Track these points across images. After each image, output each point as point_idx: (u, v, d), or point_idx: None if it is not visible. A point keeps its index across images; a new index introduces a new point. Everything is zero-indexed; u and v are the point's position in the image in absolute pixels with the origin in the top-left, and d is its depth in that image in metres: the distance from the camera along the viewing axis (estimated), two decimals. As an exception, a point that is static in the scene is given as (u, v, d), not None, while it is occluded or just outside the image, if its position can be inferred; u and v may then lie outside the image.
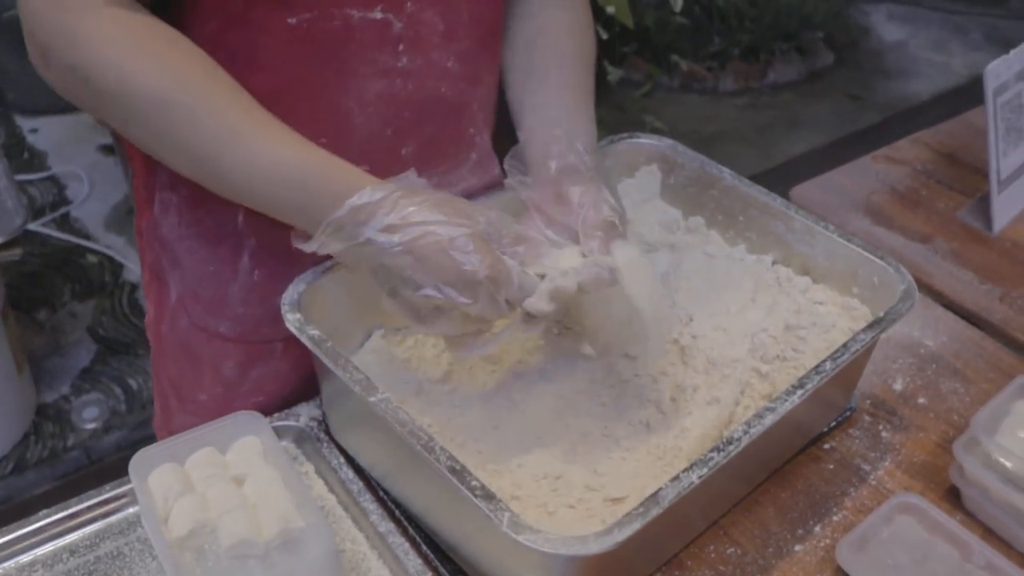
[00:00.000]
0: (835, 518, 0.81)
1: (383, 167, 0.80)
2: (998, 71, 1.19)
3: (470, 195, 0.91)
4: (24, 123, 3.02)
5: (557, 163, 0.81)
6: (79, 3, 0.68)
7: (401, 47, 0.79)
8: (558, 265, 0.73)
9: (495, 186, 0.93)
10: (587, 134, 0.85)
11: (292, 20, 0.74)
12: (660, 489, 0.64)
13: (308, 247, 0.71)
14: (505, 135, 0.92)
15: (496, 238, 0.70)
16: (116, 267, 2.46)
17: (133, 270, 2.43)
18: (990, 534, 0.80)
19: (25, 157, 2.88)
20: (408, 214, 0.68)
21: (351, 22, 0.76)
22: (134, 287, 2.40)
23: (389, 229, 0.68)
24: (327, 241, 0.70)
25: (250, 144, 0.69)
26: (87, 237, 2.55)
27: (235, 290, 0.87)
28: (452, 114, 0.87)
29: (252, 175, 0.70)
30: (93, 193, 2.72)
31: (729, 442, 0.68)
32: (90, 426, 2.01)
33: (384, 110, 0.82)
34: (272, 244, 0.85)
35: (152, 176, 0.87)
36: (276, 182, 0.69)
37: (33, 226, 2.53)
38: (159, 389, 0.98)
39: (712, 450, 0.67)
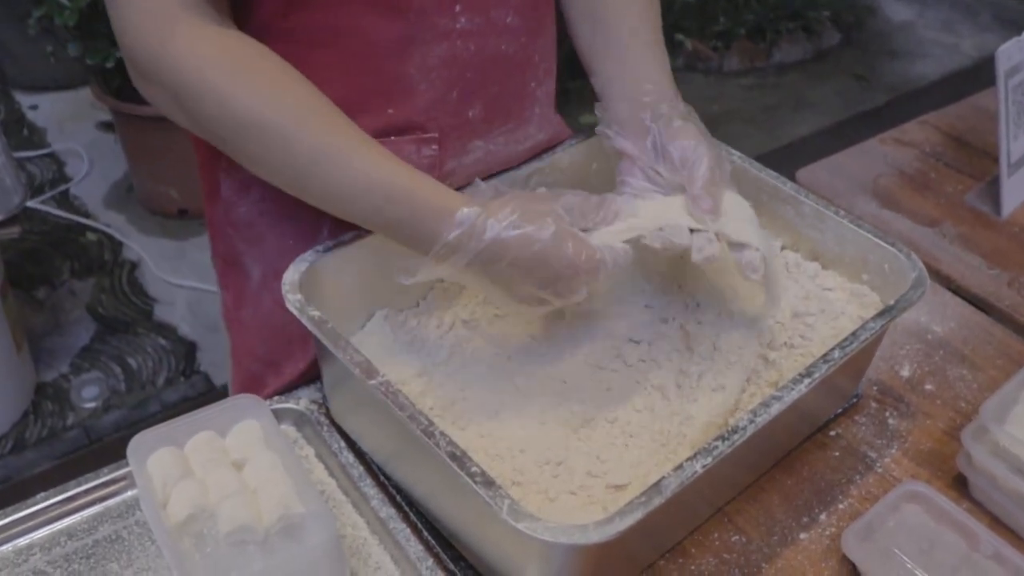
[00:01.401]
0: (841, 506, 0.80)
1: (450, 131, 0.84)
2: (1010, 53, 1.17)
3: (537, 151, 0.94)
4: (24, 99, 3.00)
5: (650, 115, 0.83)
6: (173, 24, 0.70)
7: (458, 8, 0.79)
8: (665, 215, 0.77)
9: (562, 139, 0.95)
10: (667, 76, 0.87)
11: None
12: (663, 478, 0.63)
13: (415, 279, 0.73)
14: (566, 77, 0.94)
15: (581, 218, 0.73)
16: (116, 245, 2.44)
17: (133, 248, 2.42)
18: (997, 523, 0.79)
19: (24, 134, 2.86)
20: (497, 234, 0.69)
21: None
22: (134, 265, 2.39)
23: (482, 254, 0.70)
24: (435, 268, 0.72)
25: (342, 164, 0.71)
26: (87, 215, 2.54)
27: None
28: (515, 71, 0.87)
29: (345, 194, 0.73)
30: (93, 171, 2.70)
31: (734, 431, 0.67)
32: (89, 405, 2.00)
33: (447, 74, 0.82)
34: None
35: (225, 161, 0.88)
36: (369, 201, 0.72)
37: (32, 203, 2.52)
38: (241, 370, 0.98)
39: (716, 439, 0.66)
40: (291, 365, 0.93)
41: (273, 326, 0.93)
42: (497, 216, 0.69)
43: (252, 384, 0.97)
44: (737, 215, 0.79)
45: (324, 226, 0.87)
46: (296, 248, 0.80)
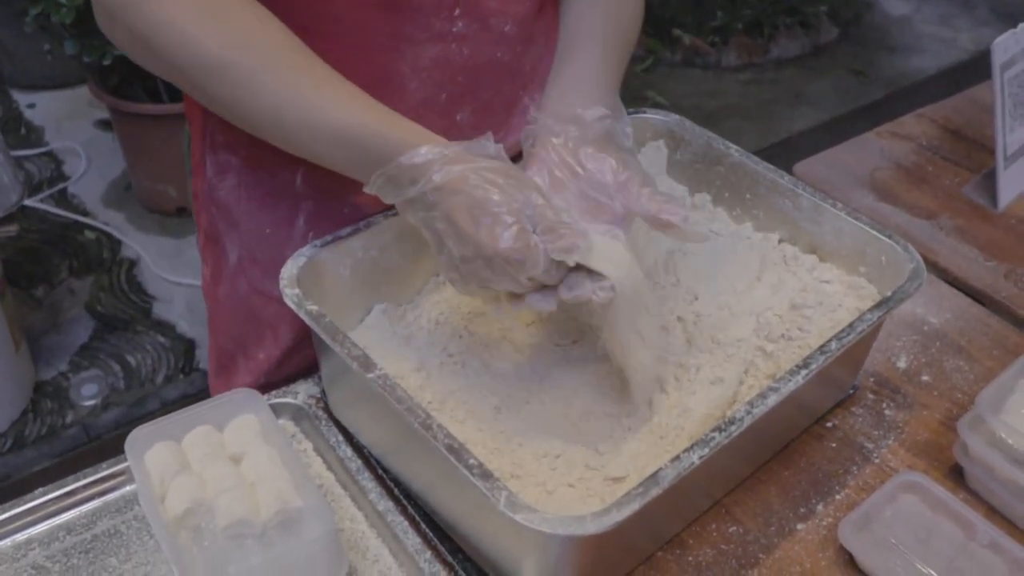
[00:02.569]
0: (838, 497, 0.81)
1: (438, 133, 0.83)
2: (1006, 45, 1.17)
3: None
4: (21, 98, 2.99)
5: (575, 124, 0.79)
6: None
7: (457, 12, 0.79)
8: (610, 258, 0.71)
9: None
10: (609, 85, 0.83)
11: None
12: (660, 469, 0.63)
13: (366, 190, 0.72)
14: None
15: (533, 220, 0.68)
16: (114, 243, 2.44)
17: (131, 246, 2.42)
18: (993, 513, 0.80)
19: (22, 132, 2.86)
20: (452, 179, 0.67)
21: None
22: (132, 263, 2.39)
23: (434, 191, 0.68)
24: (379, 191, 0.71)
25: (309, 104, 0.70)
26: (85, 213, 2.54)
27: (290, 253, 0.87)
28: (507, 79, 0.87)
29: (312, 135, 0.71)
30: (91, 169, 2.70)
31: (731, 422, 0.67)
32: (89, 403, 2.00)
33: (438, 75, 0.82)
34: (328, 207, 0.85)
35: (209, 139, 0.87)
36: (335, 142, 0.70)
37: (30, 202, 2.52)
38: (216, 347, 0.98)
39: (714, 430, 0.66)
40: (262, 351, 0.93)
41: (245, 308, 0.93)
42: (458, 165, 0.67)
43: (225, 362, 0.97)
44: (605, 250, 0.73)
45: (300, 214, 0.86)
46: (272, 235, 0.79)
